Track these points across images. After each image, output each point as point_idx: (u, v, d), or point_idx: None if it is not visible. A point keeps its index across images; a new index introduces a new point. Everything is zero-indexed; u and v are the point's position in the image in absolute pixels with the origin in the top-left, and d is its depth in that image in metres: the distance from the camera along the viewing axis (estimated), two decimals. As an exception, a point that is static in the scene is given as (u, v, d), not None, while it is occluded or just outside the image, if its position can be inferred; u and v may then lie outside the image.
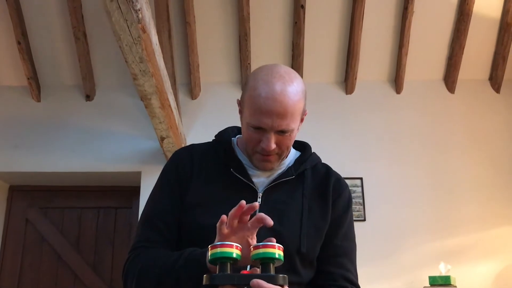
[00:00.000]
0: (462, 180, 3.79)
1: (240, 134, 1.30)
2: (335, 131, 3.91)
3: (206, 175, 1.24)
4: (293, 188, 1.25)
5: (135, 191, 3.84)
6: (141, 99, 2.71)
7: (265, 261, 0.93)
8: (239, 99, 1.24)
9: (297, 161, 1.29)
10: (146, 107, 2.79)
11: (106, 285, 3.88)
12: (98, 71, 3.95)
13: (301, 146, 1.36)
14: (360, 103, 4.01)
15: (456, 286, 3.26)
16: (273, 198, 1.21)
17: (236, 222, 0.99)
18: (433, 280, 3.29)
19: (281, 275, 0.91)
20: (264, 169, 1.24)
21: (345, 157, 3.82)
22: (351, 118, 3.96)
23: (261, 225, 1.00)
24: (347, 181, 3.66)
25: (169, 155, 3.52)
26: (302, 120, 1.23)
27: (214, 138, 1.34)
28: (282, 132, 1.15)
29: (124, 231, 4.01)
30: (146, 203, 1.29)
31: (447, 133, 3.93)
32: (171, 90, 2.95)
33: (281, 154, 1.21)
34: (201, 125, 3.88)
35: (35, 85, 3.90)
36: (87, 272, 3.89)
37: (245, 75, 3.91)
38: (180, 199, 1.22)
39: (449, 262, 3.46)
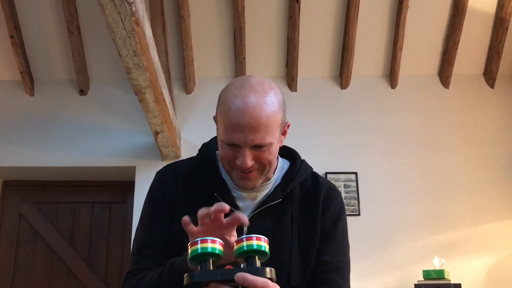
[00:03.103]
0: (456, 175, 3.80)
1: None
2: (330, 126, 3.91)
3: (190, 202, 1.17)
4: (281, 212, 1.17)
5: (130, 186, 3.83)
6: (135, 93, 2.70)
7: (250, 254, 0.86)
8: (215, 116, 1.16)
9: (285, 179, 1.20)
10: (140, 101, 2.77)
11: (101, 280, 3.87)
12: (92, 65, 3.92)
13: (289, 153, 1.27)
14: (355, 97, 4.01)
15: (450, 280, 3.27)
16: (260, 226, 1.12)
17: (206, 220, 0.93)
18: (427, 274, 3.31)
19: (268, 267, 0.84)
20: (245, 189, 1.15)
21: (339, 151, 3.83)
22: (346, 112, 3.96)
23: (238, 224, 0.94)
24: (342, 176, 3.73)
25: (164, 150, 3.52)
26: (285, 133, 1.16)
27: (198, 152, 1.27)
28: (258, 147, 1.07)
29: (118, 226, 4.00)
30: (137, 230, 1.23)
31: (441, 128, 3.94)
32: (165, 84, 2.94)
33: (262, 169, 1.12)
34: (196, 119, 3.87)
35: (28, 79, 3.88)
36: (81, 267, 3.88)
37: (240, 70, 3.90)
38: (171, 221, 1.17)
39: (443, 256, 3.48)
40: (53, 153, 3.77)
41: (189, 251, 0.85)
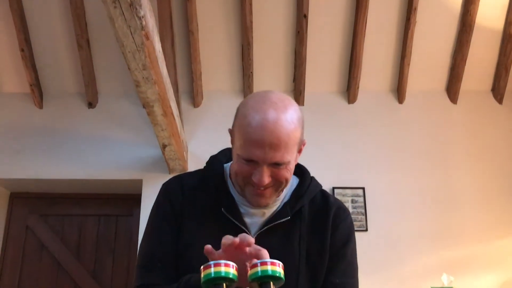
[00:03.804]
0: (465, 191, 3.77)
1: None
2: (337, 141, 3.90)
3: (197, 216, 1.16)
4: (289, 230, 1.14)
5: (136, 199, 3.82)
6: (144, 107, 2.71)
7: (265, 280, 0.84)
8: (231, 129, 1.13)
9: (294, 196, 1.18)
10: (148, 115, 2.79)
11: (106, 293, 3.85)
12: (100, 78, 3.95)
13: (298, 170, 1.24)
14: (363, 112, 4.00)
15: (458, 298, 3.23)
16: (267, 244, 1.06)
17: (228, 248, 0.92)
18: (435, 292, 3.27)
19: None
20: (258, 206, 1.13)
21: (347, 166, 3.81)
22: (353, 127, 3.95)
23: (258, 255, 0.93)
24: (349, 191, 3.71)
25: (171, 163, 3.52)
26: (300, 151, 1.13)
27: (205, 165, 1.25)
28: (276, 165, 1.05)
29: (124, 239, 3.99)
30: (142, 242, 1.21)
31: (449, 143, 3.92)
32: (173, 98, 2.95)
33: (278, 187, 1.10)
34: (203, 133, 3.88)
35: (37, 92, 3.91)
36: (87, 280, 3.86)
37: (247, 84, 3.91)
38: (177, 233, 1.15)
39: (452, 273, 3.43)
40: (60, 165, 3.78)
41: (202, 275, 0.83)
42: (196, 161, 3.73)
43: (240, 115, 1.08)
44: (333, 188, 3.70)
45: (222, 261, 0.83)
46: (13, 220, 4.01)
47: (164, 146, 3.23)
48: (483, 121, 4.00)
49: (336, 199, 1.25)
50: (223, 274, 0.82)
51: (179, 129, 3.23)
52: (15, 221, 4.01)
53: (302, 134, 1.10)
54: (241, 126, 1.06)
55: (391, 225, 3.67)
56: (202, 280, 0.83)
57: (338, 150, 3.87)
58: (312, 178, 1.25)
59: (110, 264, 3.93)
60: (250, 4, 3.58)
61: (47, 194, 4.06)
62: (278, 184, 1.09)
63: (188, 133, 3.84)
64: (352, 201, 3.69)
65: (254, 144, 1.03)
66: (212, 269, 0.82)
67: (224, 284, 0.83)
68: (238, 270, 0.85)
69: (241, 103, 1.11)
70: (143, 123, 3.85)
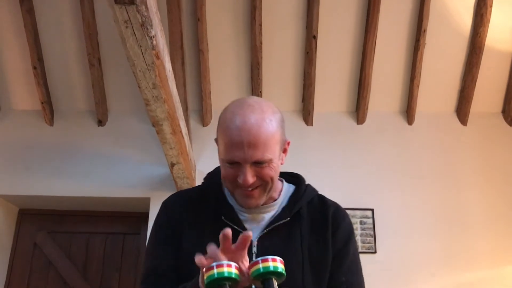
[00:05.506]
0: (475, 213, 3.72)
1: None
2: (346, 161, 3.88)
3: (197, 226, 1.18)
4: (290, 231, 1.17)
5: (144, 217, 3.81)
6: (153, 125, 2.72)
7: (266, 276, 0.86)
8: (216, 138, 1.18)
9: (291, 200, 1.21)
10: (157, 133, 2.80)
11: (111, 312, 3.82)
12: (111, 96, 3.99)
13: (294, 178, 1.29)
14: (372, 133, 3.99)
15: (469, 323, 3.17)
16: (269, 246, 1.12)
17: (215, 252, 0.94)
18: (445, 316, 3.20)
19: None
20: (248, 207, 1.15)
21: (356, 187, 3.78)
22: (362, 148, 3.93)
23: (248, 244, 0.95)
24: (358, 212, 3.68)
25: (179, 181, 3.52)
26: (285, 151, 1.17)
27: (203, 180, 1.31)
28: (258, 164, 1.08)
29: (131, 258, 3.97)
30: (144, 258, 1.24)
31: (459, 165, 3.88)
32: (182, 117, 2.96)
33: (265, 186, 1.13)
34: (212, 151, 3.83)
35: (48, 109, 3.95)
36: (92, 298, 3.84)
37: (256, 103, 3.92)
38: (177, 245, 1.17)
39: (462, 297, 3.38)
40: (69, 182, 3.79)
41: (205, 277, 0.85)
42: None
43: (221, 121, 1.14)
44: (342, 209, 3.66)
45: (224, 262, 0.86)
46: (21, 237, 4.01)
47: (172, 165, 3.23)
48: (494, 143, 3.96)
49: (333, 201, 1.29)
50: (226, 275, 0.84)
51: (187, 147, 3.23)
52: (23, 238, 4.01)
53: (282, 133, 1.14)
54: (221, 131, 1.12)
55: (401, 247, 3.62)
56: (205, 281, 0.85)
57: (346, 170, 3.85)
58: (308, 184, 1.28)
59: (116, 283, 3.90)
60: (260, 25, 3.62)
61: (55, 211, 4.07)
62: (264, 183, 1.12)
63: (196, 151, 3.85)
64: (361, 223, 3.66)
65: (234, 146, 1.07)
66: (215, 270, 0.84)
67: (227, 284, 0.85)
68: (238, 269, 0.88)
69: (222, 111, 1.17)
70: (152, 141, 3.86)
